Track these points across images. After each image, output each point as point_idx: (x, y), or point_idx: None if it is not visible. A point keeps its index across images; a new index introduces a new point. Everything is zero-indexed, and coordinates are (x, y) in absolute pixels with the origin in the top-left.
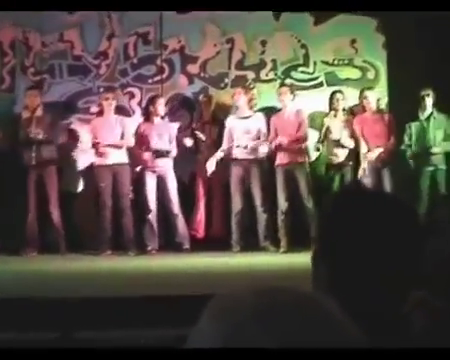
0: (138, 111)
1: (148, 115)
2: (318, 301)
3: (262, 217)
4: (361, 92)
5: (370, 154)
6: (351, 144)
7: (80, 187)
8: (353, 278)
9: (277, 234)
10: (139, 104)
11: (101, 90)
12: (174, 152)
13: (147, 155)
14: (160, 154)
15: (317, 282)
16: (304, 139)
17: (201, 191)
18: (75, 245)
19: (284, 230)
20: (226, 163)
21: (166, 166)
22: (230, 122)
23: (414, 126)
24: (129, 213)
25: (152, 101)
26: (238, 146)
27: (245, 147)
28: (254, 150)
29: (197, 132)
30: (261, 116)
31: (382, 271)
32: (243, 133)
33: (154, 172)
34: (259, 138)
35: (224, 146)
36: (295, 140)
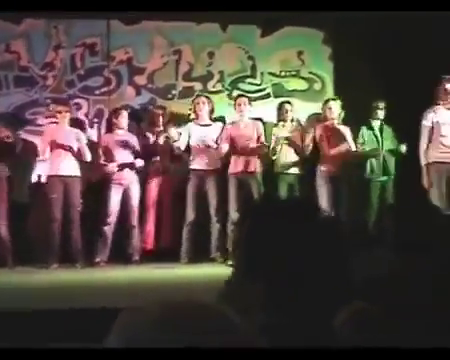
0: (87, 122)
1: (111, 127)
2: (224, 313)
3: (215, 227)
4: (325, 102)
5: (325, 163)
6: (302, 153)
7: (30, 198)
8: (284, 289)
9: (226, 245)
10: (86, 115)
11: (48, 101)
12: (140, 164)
13: (111, 167)
14: (125, 166)
15: (249, 295)
16: (261, 149)
17: (151, 202)
18: (24, 258)
19: (232, 241)
20: (182, 173)
21: (132, 178)
22: (190, 130)
23: (367, 135)
24: (78, 225)
25: (115, 113)
26: (195, 155)
27: (202, 157)
28: (211, 159)
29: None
30: (220, 125)
31: (313, 282)
32: (200, 142)
33: (120, 185)
34: (216, 147)
35: (183, 155)
36: (251, 150)
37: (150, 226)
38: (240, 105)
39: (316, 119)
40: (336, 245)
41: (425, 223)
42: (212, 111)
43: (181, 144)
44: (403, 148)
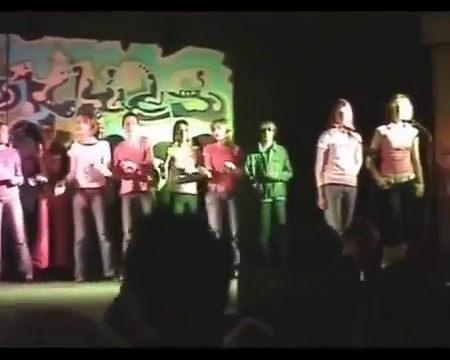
0: None
1: None
2: (81, 316)
3: (105, 246)
4: (213, 123)
5: (216, 184)
6: (196, 174)
7: None
8: (164, 303)
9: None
10: None
11: None
12: (20, 180)
13: None
14: (5, 182)
15: (130, 309)
16: (149, 168)
17: (44, 220)
18: None
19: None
20: (70, 191)
21: (12, 194)
22: (74, 150)
23: (254, 158)
24: None
25: None
26: (82, 173)
27: (88, 175)
28: (98, 178)
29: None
30: (106, 144)
31: (192, 295)
32: (87, 161)
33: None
34: (105, 165)
35: (68, 174)
36: (140, 169)
37: (43, 244)
38: (128, 124)
39: (205, 139)
40: (221, 261)
41: (319, 243)
42: (93, 128)
43: (70, 163)
44: (285, 175)
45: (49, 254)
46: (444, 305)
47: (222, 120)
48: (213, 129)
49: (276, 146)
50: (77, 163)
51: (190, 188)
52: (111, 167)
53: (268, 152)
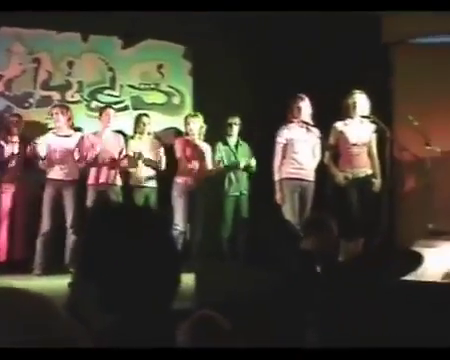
0: None
1: None
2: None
3: (71, 239)
4: (186, 118)
5: (184, 177)
6: (159, 167)
7: None
8: (118, 293)
9: None
10: None
11: None
12: None
13: None
14: None
15: (83, 299)
16: (120, 161)
17: (4, 212)
18: None
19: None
20: (38, 182)
21: None
22: (48, 140)
23: (223, 151)
24: None
25: None
26: (55, 165)
27: (62, 166)
28: (69, 169)
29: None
30: (79, 136)
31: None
32: (61, 152)
33: None
34: (77, 157)
35: (40, 164)
36: (111, 161)
37: (2, 237)
38: (107, 116)
39: (174, 133)
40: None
41: (278, 237)
42: (69, 120)
43: (40, 154)
44: (253, 162)
45: (8, 246)
46: (398, 299)
47: (195, 115)
48: (185, 124)
49: (241, 141)
50: (51, 154)
51: (152, 181)
52: (84, 159)
53: (236, 146)
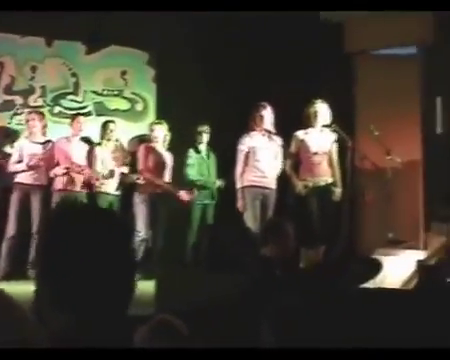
0: None
1: None
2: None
3: (35, 244)
4: (150, 125)
5: (147, 184)
6: (123, 173)
7: None
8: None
9: None
10: None
11: None
12: None
13: None
14: None
15: (41, 300)
16: (87, 168)
17: None
18: None
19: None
20: (5, 186)
21: None
22: (21, 146)
23: (194, 158)
24: None
25: None
26: (26, 170)
27: (32, 172)
28: (39, 175)
29: None
30: (50, 142)
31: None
32: (33, 158)
33: None
34: (48, 162)
35: (10, 168)
36: (78, 168)
37: None
38: (78, 124)
39: (139, 140)
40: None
41: (239, 243)
42: (44, 127)
43: (13, 159)
44: (222, 184)
45: None
46: (358, 305)
47: (159, 123)
48: (150, 131)
49: (209, 149)
50: (23, 159)
51: (113, 188)
52: (53, 165)
53: (207, 155)
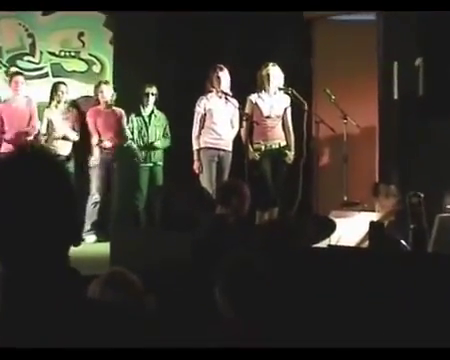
0: None
1: None
2: None
3: None
4: (97, 86)
5: (100, 147)
6: (74, 136)
7: None
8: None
9: None
10: None
11: None
12: None
13: None
14: None
15: None
16: (32, 131)
17: None
18: None
19: None
20: None
21: None
22: None
23: (136, 121)
24: None
25: None
26: None
27: None
28: None
29: None
30: None
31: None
32: None
33: None
34: None
35: None
36: (24, 132)
37: None
38: (16, 83)
39: (87, 101)
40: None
41: (194, 203)
42: None
43: None
44: (159, 144)
45: None
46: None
47: (106, 83)
48: (96, 92)
49: (156, 111)
50: None
51: (65, 151)
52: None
53: (150, 116)
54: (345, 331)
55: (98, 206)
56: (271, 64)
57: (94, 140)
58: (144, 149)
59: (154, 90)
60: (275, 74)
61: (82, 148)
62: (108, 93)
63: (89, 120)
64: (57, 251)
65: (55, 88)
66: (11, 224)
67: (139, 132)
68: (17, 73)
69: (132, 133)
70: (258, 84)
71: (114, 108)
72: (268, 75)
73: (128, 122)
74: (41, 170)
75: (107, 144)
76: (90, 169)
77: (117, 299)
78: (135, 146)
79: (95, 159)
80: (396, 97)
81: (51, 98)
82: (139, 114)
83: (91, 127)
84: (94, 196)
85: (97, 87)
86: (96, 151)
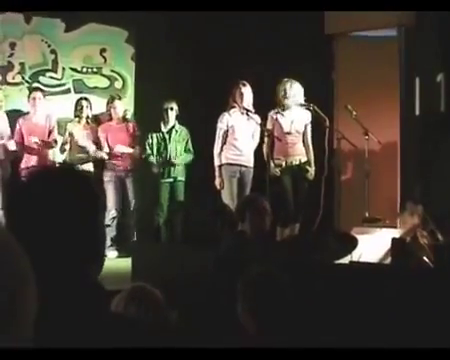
0: None
1: None
2: None
3: None
4: (109, 101)
5: (114, 162)
6: (93, 151)
7: None
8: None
9: None
10: None
11: None
12: None
13: None
14: None
15: None
16: (52, 144)
17: None
18: None
19: None
20: None
21: None
22: None
23: (155, 137)
24: None
25: None
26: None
27: None
28: None
29: None
30: (5, 117)
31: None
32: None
33: None
34: (2, 139)
35: None
36: (43, 144)
37: None
38: (34, 99)
39: (101, 117)
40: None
41: (215, 219)
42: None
43: None
44: (178, 161)
45: None
46: (332, 281)
47: (118, 98)
48: (109, 107)
49: (178, 126)
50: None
51: (87, 166)
52: (13, 141)
53: (170, 132)
54: (367, 347)
55: (116, 222)
56: (291, 80)
57: (106, 155)
58: (163, 165)
59: (174, 105)
60: (296, 90)
61: (100, 163)
62: (120, 108)
63: (101, 135)
64: (83, 266)
65: (77, 103)
66: (40, 239)
67: (158, 148)
68: (35, 89)
69: (151, 149)
70: (279, 100)
71: (127, 122)
72: (286, 90)
73: (147, 138)
74: (72, 186)
75: (119, 159)
76: (105, 184)
77: (139, 314)
78: (154, 161)
79: (108, 174)
80: (418, 113)
81: (74, 113)
82: (158, 130)
83: (103, 143)
84: (111, 212)
85: (109, 102)
86: (108, 166)
